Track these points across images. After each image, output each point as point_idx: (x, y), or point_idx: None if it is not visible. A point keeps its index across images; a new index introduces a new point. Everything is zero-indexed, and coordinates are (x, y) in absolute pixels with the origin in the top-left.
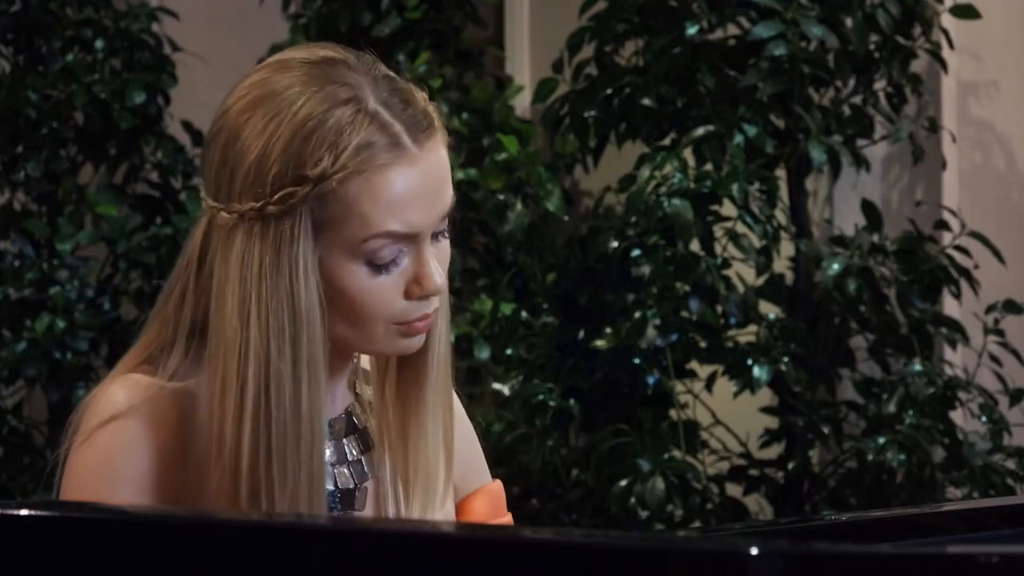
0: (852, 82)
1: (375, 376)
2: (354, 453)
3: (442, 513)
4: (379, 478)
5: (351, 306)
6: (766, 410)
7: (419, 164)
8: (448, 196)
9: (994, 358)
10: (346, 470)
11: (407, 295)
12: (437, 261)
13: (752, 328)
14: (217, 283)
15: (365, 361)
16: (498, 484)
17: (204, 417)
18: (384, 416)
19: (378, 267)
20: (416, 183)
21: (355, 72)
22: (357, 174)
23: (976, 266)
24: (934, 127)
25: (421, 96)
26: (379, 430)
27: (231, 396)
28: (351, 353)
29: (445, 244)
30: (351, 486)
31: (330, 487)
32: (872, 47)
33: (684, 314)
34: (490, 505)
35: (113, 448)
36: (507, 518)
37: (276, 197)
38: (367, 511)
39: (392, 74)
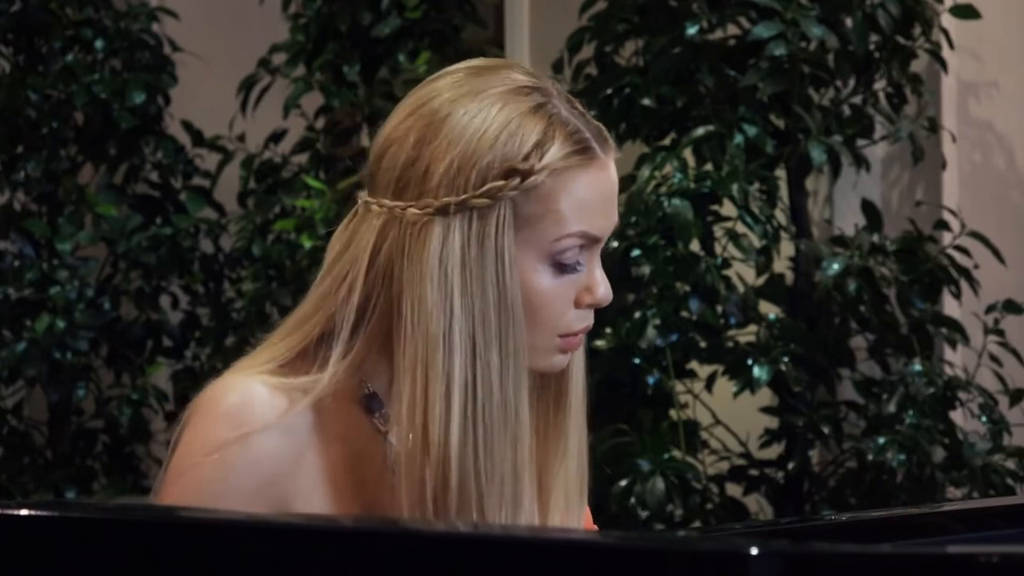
0: (852, 82)
1: None
2: None
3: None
4: None
5: (527, 309)
6: (766, 410)
7: (606, 171)
8: (617, 211)
9: (994, 358)
10: None
11: (576, 303)
12: None
13: (752, 328)
14: (408, 279)
15: None
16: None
17: (394, 413)
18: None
19: (561, 270)
20: (605, 188)
21: (543, 82)
22: (560, 172)
23: (976, 266)
24: (934, 127)
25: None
26: None
27: (436, 389)
28: None
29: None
30: None
31: None
32: (872, 47)
33: (684, 314)
34: None
35: (238, 465)
36: None
37: (482, 190)
38: None
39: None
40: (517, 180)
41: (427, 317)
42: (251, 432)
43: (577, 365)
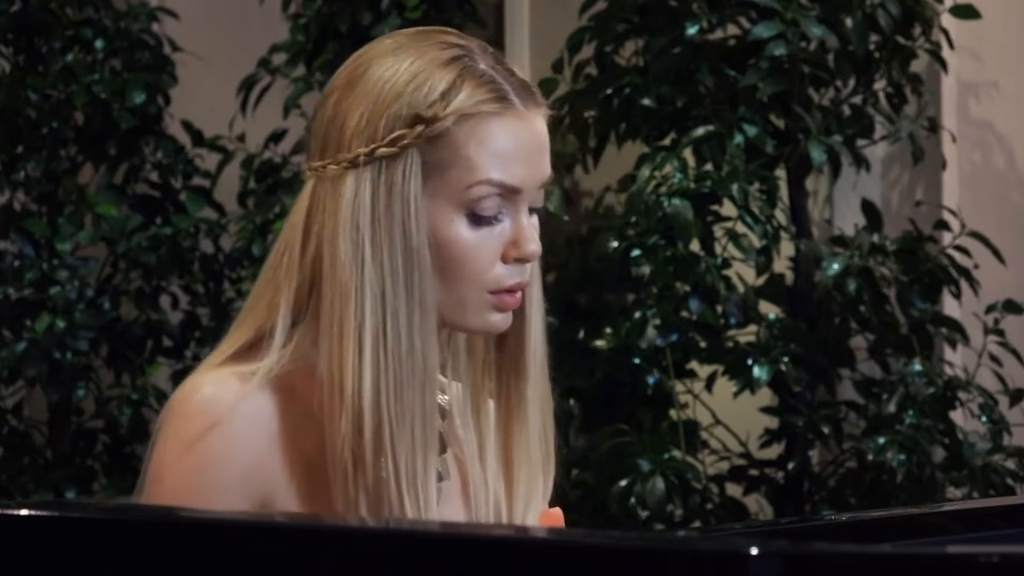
0: (852, 82)
1: (471, 368)
2: None
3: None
4: (465, 478)
5: (448, 261)
6: (766, 410)
7: (526, 122)
8: (547, 167)
9: (994, 358)
10: None
11: (504, 258)
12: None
13: (752, 328)
14: (329, 234)
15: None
16: (558, 512)
17: (321, 377)
18: (481, 409)
19: (478, 220)
20: (523, 139)
21: (465, 39)
22: (468, 119)
23: (976, 266)
24: (934, 127)
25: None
26: (475, 426)
27: (349, 339)
28: (442, 332)
29: (536, 222)
30: None
31: None
32: (872, 47)
33: (684, 314)
34: None
35: (216, 456)
36: None
37: (387, 139)
38: (449, 511)
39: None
40: (422, 127)
41: (341, 270)
42: (221, 421)
43: (535, 331)
